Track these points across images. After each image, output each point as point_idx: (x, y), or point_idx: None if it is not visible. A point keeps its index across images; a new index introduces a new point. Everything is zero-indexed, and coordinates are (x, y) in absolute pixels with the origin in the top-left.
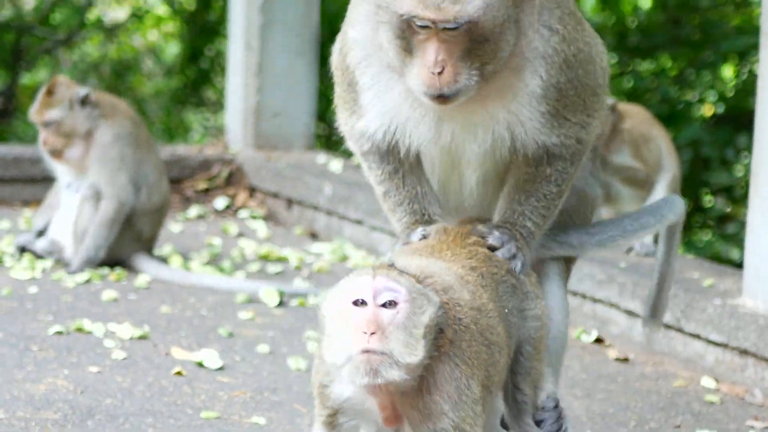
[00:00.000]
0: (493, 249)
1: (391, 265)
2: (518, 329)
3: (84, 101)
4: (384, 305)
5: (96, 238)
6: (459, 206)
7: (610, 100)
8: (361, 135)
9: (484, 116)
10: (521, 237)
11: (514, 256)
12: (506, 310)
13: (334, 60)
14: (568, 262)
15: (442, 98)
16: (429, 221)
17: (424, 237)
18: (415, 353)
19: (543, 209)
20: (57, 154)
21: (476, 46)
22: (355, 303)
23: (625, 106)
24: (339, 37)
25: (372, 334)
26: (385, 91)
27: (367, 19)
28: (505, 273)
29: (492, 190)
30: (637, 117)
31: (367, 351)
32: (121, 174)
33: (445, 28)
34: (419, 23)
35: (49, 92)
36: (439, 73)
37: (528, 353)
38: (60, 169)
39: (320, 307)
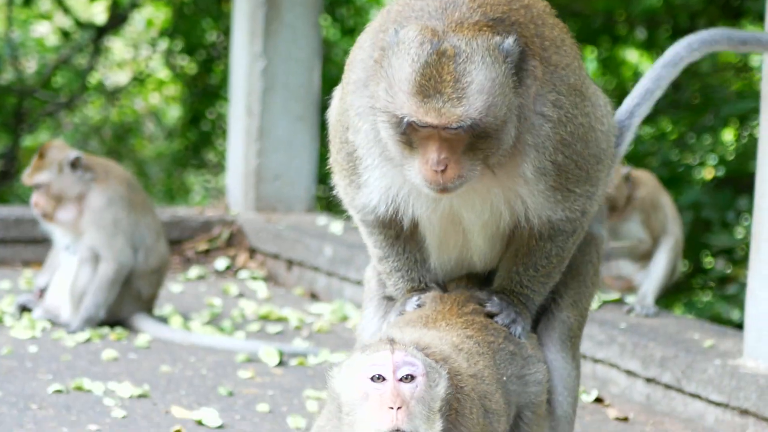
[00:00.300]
0: (491, 315)
1: (391, 340)
2: (518, 395)
3: (74, 165)
4: (401, 380)
5: (96, 299)
6: (463, 259)
7: (624, 169)
8: (363, 207)
9: (481, 191)
10: (520, 302)
11: (513, 321)
12: (504, 378)
13: (333, 126)
14: (578, 324)
15: (444, 191)
16: (425, 288)
17: (420, 306)
18: (435, 427)
19: (543, 278)
20: (47, 216)
21: (479, 142)
22: (373, 379)
23: (636, 173)
24: (337, 103)
25: (398, 408)
26: (388, 169)
27: (360, 83)
28: (502, 341)
29: (499, 246)
30: (648, 184)
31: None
32: (117, 237)
33: (447, 128)
34: (420, 125)
35: (41, 155)
36: (442, 171)
37: (528, 419)
38: (54, 232)
39: (331, 383)
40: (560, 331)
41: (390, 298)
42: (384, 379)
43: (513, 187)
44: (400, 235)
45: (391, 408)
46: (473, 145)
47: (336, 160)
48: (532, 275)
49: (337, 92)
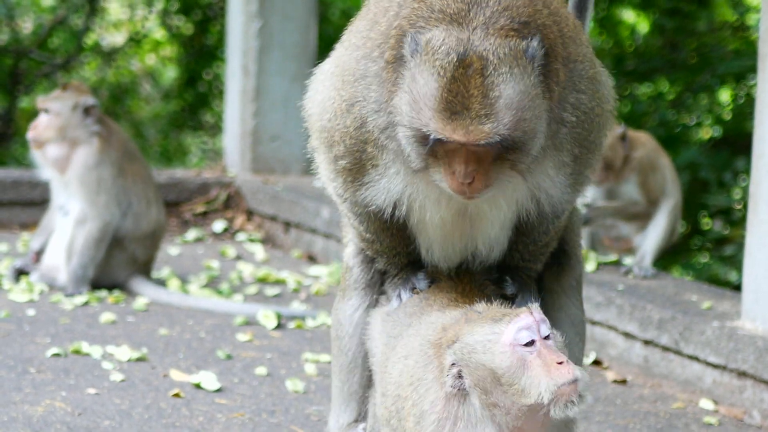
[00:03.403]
0: (507, 298)
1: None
2: None
3: (87, 110)
4: (545, 339)
5: (82, 258)
6: (467, 248)
7: (619, 129)
8: (365, 204)
9: (507, 192)
10: (526, 276)
11: (528, 303)
12: None
13: (339, 134)
14: (581, 268)
15: (470, 198)
16: (420, 261)
17: (432, 282)
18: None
19: (543, 248)
20: (38, 144)
21: (508, 153)
22: (527, 344)
23: (634, 134)
24: (341, 105)
25: (567, 362)
26: (405, 175)
27: (382, 100)
28: None
29: (509, 231)
30: (647, 145)
31: (574, 381)
32: (100, 195)
33: (475, 144)
34: (448, 141)
35: (64, 87)
36: (469, 183)
37: None
38: (42, 169)
39: (480, 359)
40: (574, 277)
41: (380, 281)
42: (534, 342)
43: (536, 183)
44: (396, 223)
45: (560, 363)
46: (502, 156)
47: (336, 163)
48: (532, 250)
49: (333, 99)
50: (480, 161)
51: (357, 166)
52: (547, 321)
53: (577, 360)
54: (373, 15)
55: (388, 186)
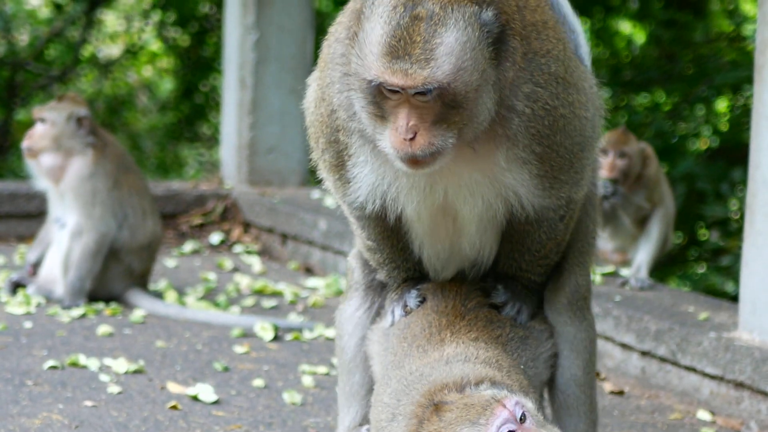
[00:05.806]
0: (496, 306)
1: (494, 396)
2: (539, 376)
3: (79, 121)
4: (521, 420)
5: (80, 270)
6: (454, 248)
7: (641, 144)
8: (352, 202)
9: (470, 182)
10: (523, 287)
11: (519, 311)
12: (522, 366)
13: (317, 127)
14: (585, 282)
15: (415, 162)
16: (421, 277)
17: (422, 300)
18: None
19: (541, 260)
20: (32, 153)
21: (450, 112)
22: None
23: (648, 150)
24: (318, 103)
25: None
26: (378, 165)
27: (344, 77)
28: (509, 330)
29: (491, 233)
30: (654, 159)
31: None
32: (95, 207)
33: (416, 93)
34: (388, 88)
35: (60, 98)
36: (411, 139)
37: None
38: (37, 178)
39: None
40: (568, 292)
41: (381, 284)
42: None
43: (496, 176)
44: (393, 228)
45: None
46: (445, 115)
47: (323, 159)
48: (528, 260)
49: (314, 91)
50: (422, 118)
51: (338, 160)
52: (521, 402)
53: (574, 376)
54: (344, 13)
55: (362, 177)
